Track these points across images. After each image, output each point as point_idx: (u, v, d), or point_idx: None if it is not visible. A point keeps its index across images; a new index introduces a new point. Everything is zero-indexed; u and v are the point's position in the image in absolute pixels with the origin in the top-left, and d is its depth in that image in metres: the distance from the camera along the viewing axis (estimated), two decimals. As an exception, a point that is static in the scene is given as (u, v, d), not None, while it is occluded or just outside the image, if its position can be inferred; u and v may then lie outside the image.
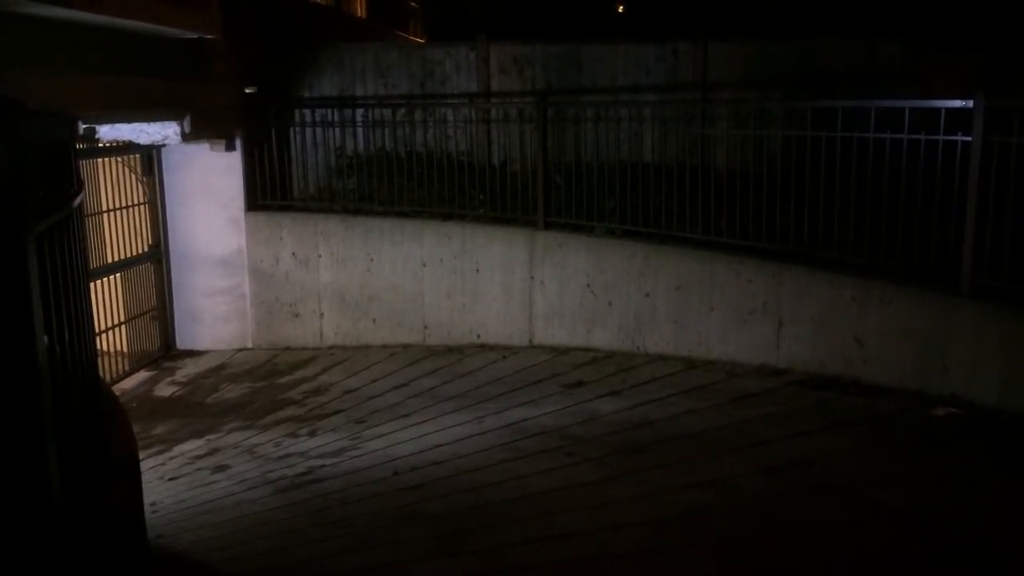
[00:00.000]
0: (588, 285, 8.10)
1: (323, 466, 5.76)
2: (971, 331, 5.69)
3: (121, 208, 9.16)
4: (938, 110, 5.87)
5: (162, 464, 6.66)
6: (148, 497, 5.66)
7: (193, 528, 4.82)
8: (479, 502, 4.73)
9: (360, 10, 20.53)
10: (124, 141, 8.62)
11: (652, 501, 4.63)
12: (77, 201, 2.91)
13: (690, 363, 7.36)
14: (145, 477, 6.31)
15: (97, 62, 6.89)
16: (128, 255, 9.28)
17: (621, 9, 27.60)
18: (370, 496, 4.99)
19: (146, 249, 9.55)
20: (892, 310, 6.21)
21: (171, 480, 6.19)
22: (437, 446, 5.85)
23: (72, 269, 2.77)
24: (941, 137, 5.86)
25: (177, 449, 6.98)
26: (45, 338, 2.12)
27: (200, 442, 7.05)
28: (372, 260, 9.13)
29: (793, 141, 6.99)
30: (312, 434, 6.74)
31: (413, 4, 23.69)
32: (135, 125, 8.31)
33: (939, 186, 5.90)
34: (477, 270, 8.69)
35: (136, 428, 7.67)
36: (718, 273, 7.29)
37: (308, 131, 9.60)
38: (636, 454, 5.44)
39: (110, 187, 8.97)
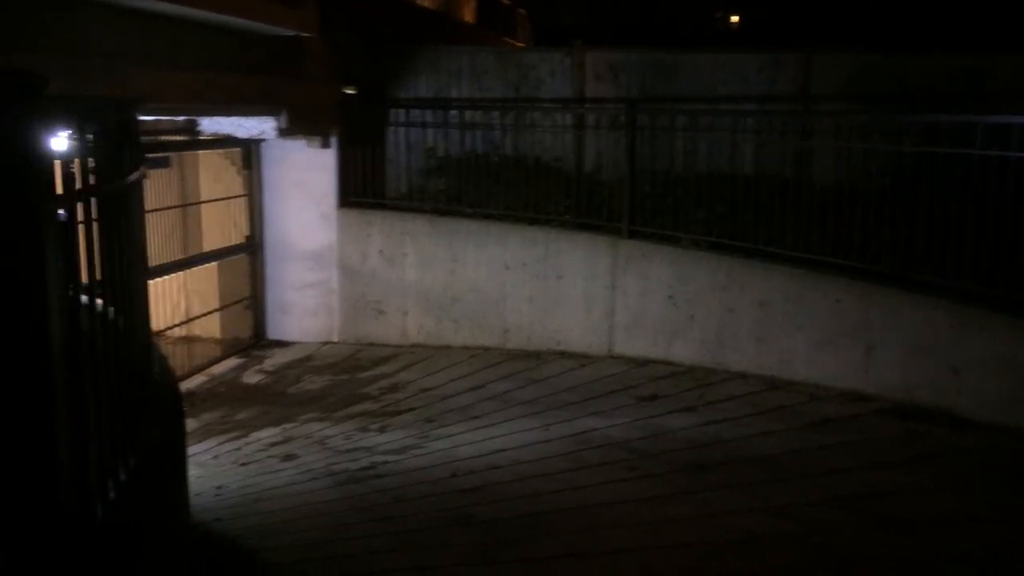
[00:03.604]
0: (670, 297, 7.91)
1: (386, 462, 5.79)
2: (1076, 367, 5.28)
3: (220, 199, 9.48)
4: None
5: (238, 449, 6.82)
6: (217, 480, 5.84)
7: (250, 514, 4.91)
8: (531, 510, 4.66)
9: (468, 15, 20.77)
10: (224, 135, 8.91)
11: (709, 524, 4.46)
12: (125, 182, 2.97)
13: (771, 383, 7.08)
14: (219, 461, 6.51)
15: (196, 57, 7.14)
16: (225, 245, 9.60)
17: (736, 19, 27.12)
18: (425, 496, 4.98)
19: (242, 240, 9.85)
20: (992, 339, 5.82)
21: (243, 465, 6.33)
22: (500, 450, 5.80)
23: (115, 251, 2.82)
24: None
25: (254, 435, 7.15)
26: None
27: (276, 430, 7.20)
28: (456, 261, 9.16)
29: (896, 157, 6.66)
30: (382, 430, 6.79)
31: (520, 11, 23.80)
32: (233, 119, 8.59)
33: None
34: (559, 276, 8.60)
35: (220, 412, 7.99)
36: (806, 291, 7.00)
37: (402, 131, 9.72)
38: (700, 473, 5.26)
39: (211, 179, 9.30)
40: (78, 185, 2.46)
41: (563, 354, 8.54)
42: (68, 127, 2.52)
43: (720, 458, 5.52)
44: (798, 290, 7.06)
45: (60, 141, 2.74)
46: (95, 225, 2.73)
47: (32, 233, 2.03)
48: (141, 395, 3.09)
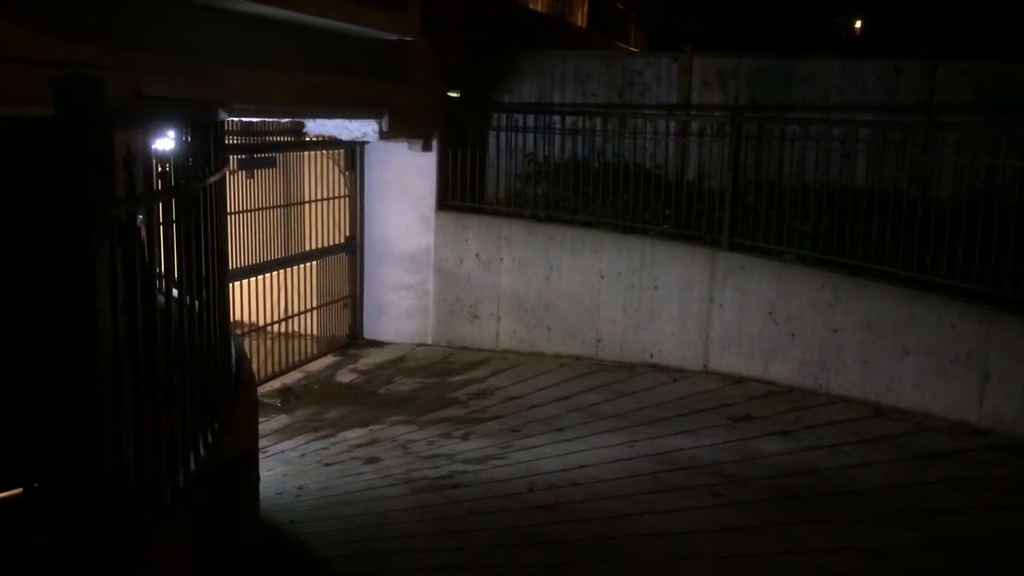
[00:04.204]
0: (770, 313, 7.57)
1: (465, 472, 5.71)
2: None
3: (323, 200, 9.64)
4: None
5: (324, 448, 6.88)
6: (299, 480, 5.89)
7: (324, 518, 4.91)
8: (606, 533, 4.49)
9: (580, 19, 20.64)
10: (329, 136, 9.05)
11: (795, 561, 4.19)
12: (202, 183, 2.99)
13: (876, 409, 6.68)
14: (305, 460, 6.58)
15: (299, 60, 7.25)
16: (325, 244, 9.75)
17: (859, 25, 26.07)
18: (499, 510, 4.87)
19: (342, 240, 9.99)
20: (1125, 376, 5.32)
21: (327, 465, 6.37)
22: (580, 466, 5.65)
23: (193, 249, 2.84)
24: None
25: (342, 435, 7.20)
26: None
27: (363, 431, 7.23)
28: (551, 268, 9.04)
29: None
30: (465, 437, 6.73)
31: (634, 16, 23.49)
32: (338, 121, 8.71)
33: None
34: (655, 287, 8.37)
35: (312, 410, 8.10)
36: (917, 313, 6.58)
37: (503, 135, 9.67)
38: (791, 504, 4.97)
39: (314, 180, 9.46)
40: (154, 185, 2.49)
41: (656, 367, 8.31)
42: (136, 128, 2.53)
43: (813, 489, 5.22)
44: (909, 312, 6.64)
45: (165, 141, 2.81)
46: (176, 223, 2.78)
47: (81, 237, 2.02)
48: (214, 392, 3.10)
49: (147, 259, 2.60)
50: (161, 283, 2.84)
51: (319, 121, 8.68)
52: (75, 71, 2.07)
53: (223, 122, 3.77)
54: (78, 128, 2.03)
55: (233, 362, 3.84)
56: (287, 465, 6.43)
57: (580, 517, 4.73)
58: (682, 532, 4.54)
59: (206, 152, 3.29)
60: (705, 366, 8.08)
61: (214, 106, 3.39)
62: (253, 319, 9.11)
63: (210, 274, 3.27)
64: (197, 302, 3.08)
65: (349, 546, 4.38)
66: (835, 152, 7.60)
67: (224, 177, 3.87)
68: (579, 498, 5.05)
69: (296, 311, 9.64)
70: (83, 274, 2.01)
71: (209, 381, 3.11)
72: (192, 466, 2.73)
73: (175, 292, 2.93)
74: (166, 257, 2.83)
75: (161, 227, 2.66)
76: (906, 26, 16.40)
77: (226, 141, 4.06)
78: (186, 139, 3.00)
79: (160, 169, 2.76)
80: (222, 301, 3.67)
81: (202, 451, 2.84)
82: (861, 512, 4.85)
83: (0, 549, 2.11)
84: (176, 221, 2.84)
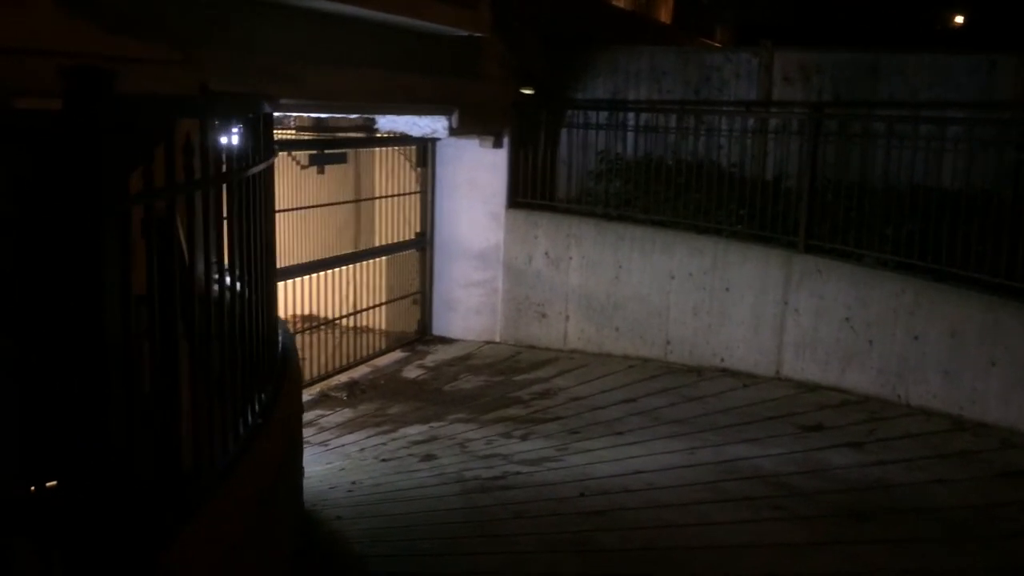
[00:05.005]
0: (847, 319, 7.24)
1: (518, 473, 5.62)
2: None
3: (394, 196, 9.68)
4: None
5: (383, 444, 6.88)
6: (354, 476, 5.89)
7: (372, 515, 4.87)
8: (655, 543, 4.33)
9: (664, 16, 20.28)
10: (400, 133, 9.07)
11: (855, 582, 3.96)
12: (240, 175, 2.98)
13: (958, 423, 6.31)
14: (364, 455, 6.59)
15: (369, 56, 7.26)
16: (396, 240, 9.79)
17: (959, 20, 24.93)
18: (548, 514, 4.76)
19: (413, 236, 10.01)
20: None
21: (383, 461, 6.36)
22: (637, 472, 5.48)
23: (238, 238, 2.84)
24: None
25: (402, 431, 7.19)
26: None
27: (423, 428, 7.21)
28: (621, 268, 8.86)
29: None
30: (524, 437, 6.63)
31: (720, 11, 22.96)
32: (409, 118, 8.72)
33: None
34: (727, 289, 8.11)
35: (376, 405, 8.12)
36: (1005, 322, 6.18)
37: (575, 132, 9.53)
38: (857, 521, 4.71)
39: (385, 176, 9.51)
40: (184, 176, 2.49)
41: (726, 371, 8.05)
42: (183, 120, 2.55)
43: (883, 505, 4.94)
44: (996, 321, 6.24)
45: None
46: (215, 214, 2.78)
47: (87, 231, 1.99)
48: (256, 379, 3.10)
49: (182, 249, 2.60)
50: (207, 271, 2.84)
51: (389, 117, 8.70)
52: (87, 63, 2.05)
53: (268, 115, 3.77)
54: (85, 120, 2.00)
55: (280, 351, 3.84)
56: (345, 459, 6.45)
57: (630, 525, 4.57)
58: (736, 546, 4.34)
59: (251, 144, 3.29)
60: (778, 372, 7.79)
61: (258, 99, 3.38)
62: (323, 313, 9.22)
63: (253, 263, 3.26)
64: (244, 291, 3.08)
65: (390, 545, 4.33)
66: (923, 151, 7.21)
67: (271, 168, 3.87)
68: (631, 505, 4.89)
69: (366, 306, 9.71)
70: (87, 270, 1.98)
71: (245, 377, 3.11)
72: (227, 453, 2.72)
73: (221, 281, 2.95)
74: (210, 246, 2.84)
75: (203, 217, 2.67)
76: (1010, 22, 15.51)
77: (274, 134, 4.07)
78: (228, 131, 3.00)
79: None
80: (269, 291, 3.67)
81: (231, 446, 2.81)
82: (933, 532, 4.56)
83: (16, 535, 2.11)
84: (212, 212, 2.83)
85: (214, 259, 2.85)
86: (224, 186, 2.95)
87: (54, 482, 2.09)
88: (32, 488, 2.14)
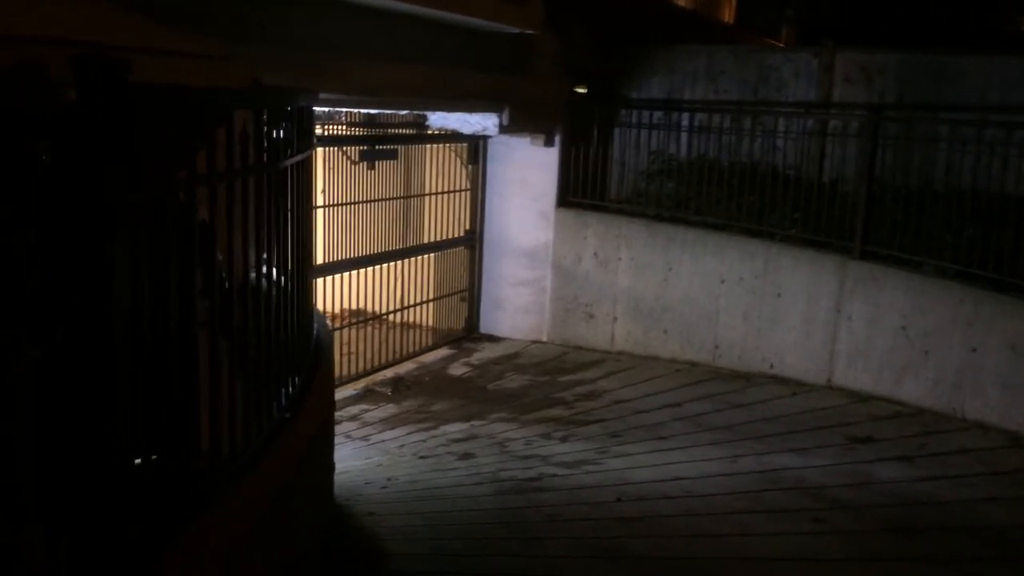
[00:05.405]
0: (903, 328, 7.02)
1: (555, 476, 5.56)
2: None
3: (444, 192, 9.68)
4: None
5: (423, 441, 6.88)
6: (392, 472, 5.89)
7: (404, 512, 4.86)
8: (689, 553, 4.23)
9: (727, 15, 19.96)
10: (451, 130, 9.07)
11: (896, 602, 3.81)
12: (271, 167, 2.99)
13: (1015, 440, 6.07)
14: (403, 451, 6.59)
15: (418, 53, 7.26)
16: (445, 237, 9.79)
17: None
18: (581, 519, 4.69)
19: (462, 234, 9.99)
20: None
21: (422, 458, 6.36)
22: (676, 479, 5.38)
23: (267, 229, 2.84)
24: None
25: (442, 429, 7.18)
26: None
27: (464, 426, 7.19)
28: (670, 270, 8.73)
29: None
30: (564, 439, 6.57)
31: (788, 12, 22.49)
32: (459, 115, 8.71)
33: None
34: (779, 294, 7.93)
35: (420, 401, 8.13)
36: (1070, 337, 5.92)
37: (627, 132, 9.41)
38: (903, 538, 4.55)
39: (436, 172, 9.51)
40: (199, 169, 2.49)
41: (775, 378, 7.87)
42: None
43: (932, 522, 4.76)
44: (1060, 334, 5.98)
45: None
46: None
47: (97, 223, 1.98)
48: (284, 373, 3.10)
49: (211, 240, 2.61)
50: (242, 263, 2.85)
51: (440, 114, 8.70)
52: (104, 53, 2.05)
53: (307, 108, 3.77)
54: (97, 110, 1.99)
55: (313, 343, 3.84)
56: (384, 455, 6.46)
57: (664, 533, 4.48)
58: (772, 559, 4.22)
59: (287, 136, 3.30)
60: (829, 380, 7.58)
61: (296, 92, 3.39)
62: (371, 308, 9.25)
63: (287, 253, 3.27)
64: (276, 281, 3.09)
65: (420, 544, 4.31)
66: (985, 155, 6.94)
67: (309, 160, 3.88)
68: (668, 512, 4.79)
69: (414, 302, 9.73)
70: (97, 264, 1.97)
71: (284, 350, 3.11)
72: (248, 447, 2.71)
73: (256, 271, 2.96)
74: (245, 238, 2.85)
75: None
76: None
77: (315, 127, 4.09)
78: (265, 123, 3.01)
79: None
80: (303, 282, 3.67)
81: (252, 441, 2.81)
82: (984, 552, 4.38)
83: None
84: (242, 203, 2.83)
85: (250, 247, 2.86)
86: (265, 176, 2.97)
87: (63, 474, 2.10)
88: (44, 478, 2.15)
